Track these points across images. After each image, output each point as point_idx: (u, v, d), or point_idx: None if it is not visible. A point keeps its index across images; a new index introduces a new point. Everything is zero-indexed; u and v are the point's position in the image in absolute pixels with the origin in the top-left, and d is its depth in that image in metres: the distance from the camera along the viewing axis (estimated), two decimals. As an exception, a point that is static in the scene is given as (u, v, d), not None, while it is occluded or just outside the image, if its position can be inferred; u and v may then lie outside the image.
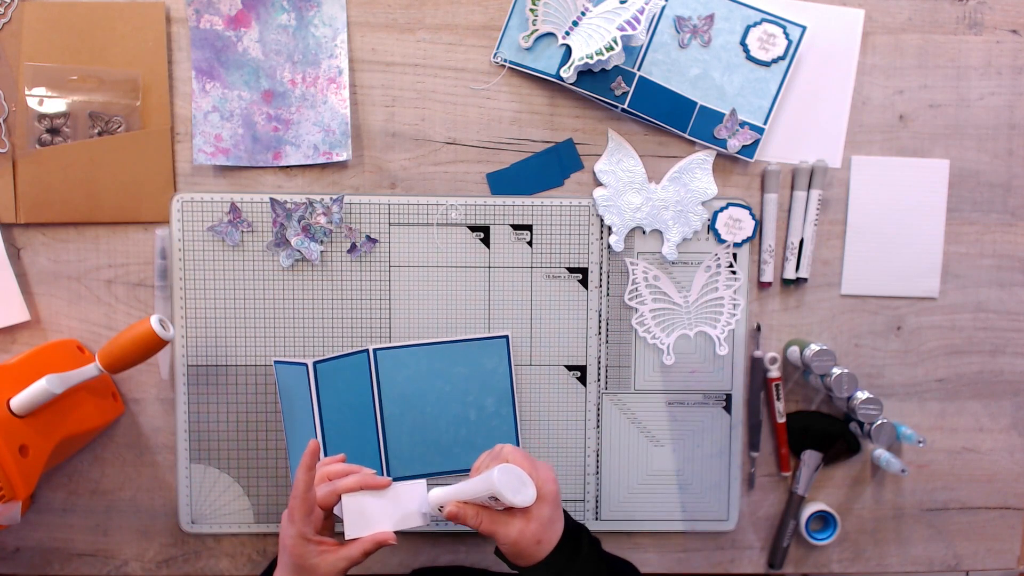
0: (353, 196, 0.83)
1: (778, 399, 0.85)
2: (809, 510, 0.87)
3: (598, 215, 0.84)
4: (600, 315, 0.85)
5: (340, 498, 0.67)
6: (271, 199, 0.81)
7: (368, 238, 0.83)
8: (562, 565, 0.65)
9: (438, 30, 0.83)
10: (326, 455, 0.81)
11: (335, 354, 0.83)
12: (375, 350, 0.83)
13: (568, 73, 0.80)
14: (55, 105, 0.80)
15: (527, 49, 0.82)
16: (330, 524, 0.70)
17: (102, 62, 0.80)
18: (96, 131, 0.81)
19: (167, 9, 0.81)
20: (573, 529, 0.69)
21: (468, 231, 0.84)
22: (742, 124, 0.83)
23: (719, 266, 0.85)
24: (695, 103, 0.83)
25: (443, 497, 0.66)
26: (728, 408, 0.86)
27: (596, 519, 0.87)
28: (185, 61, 0.81)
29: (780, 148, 0.84)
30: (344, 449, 0.82)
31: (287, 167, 0.83)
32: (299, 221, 0.82)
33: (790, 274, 0.85)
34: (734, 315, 0.85)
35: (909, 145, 0.85)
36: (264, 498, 0.85)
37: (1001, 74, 0.85)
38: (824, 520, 0.88)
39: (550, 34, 0.81)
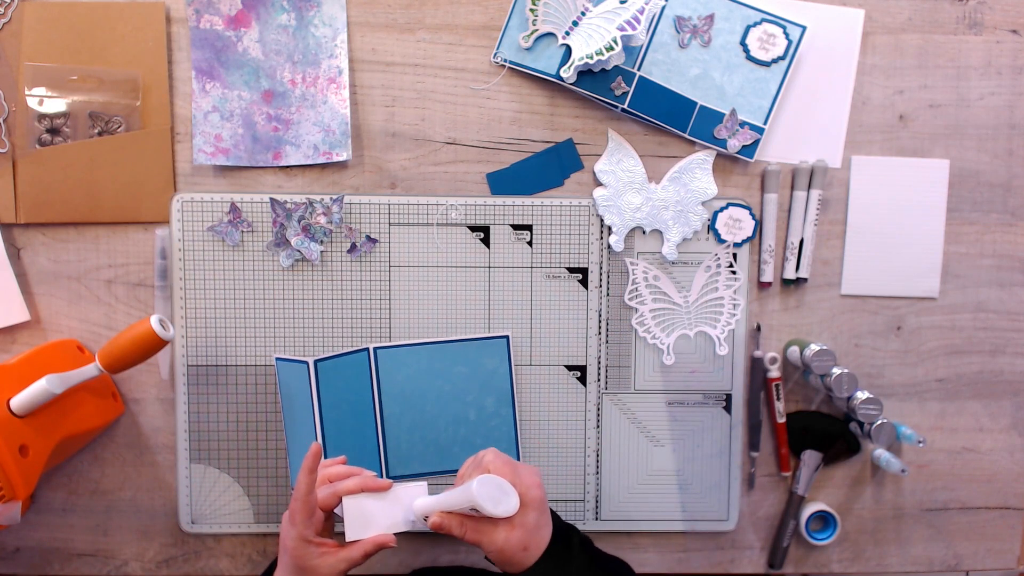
0: (353, 196, 0.83)
1: (778, 399, 0.85)
2: (809, 510, 0.87)
3: (598, 215, 0.84)
4: (600, 315, 0.85)
5: (341, 500, 0.67)
6: (271, 199, 0.81)
7: (368, 238, 0.83)
8: (551, 571, 0.64)
9: (438, 30, 0.83)
10: (326, 455, 0.81)
11: (336, 353, 0.83)
12: (375, 349, 0.83)
13: (568, 73, 0.80)
14: (55, 105, 0.80)
15: (527, 49, 0.82)
16: (330, 525, 0.70)
17: (102, 62, 0.80)
18: (96, 131, 0.81)
19: (167, 9, 0.81)
20: (562, 532, 0.68)
21: (468, 231, 0.84)
22: (742, 124, 0.83)
23: (719, 266, 0.85)
24: (695, 103, 0.83)
25: (428, 507, 0.65)
26: (728, 408, 0.86)
27: (596, 519, 0.87)
28: (185, 61, 0.81)
29: (780, 148, 0.84)
30: (343, 447, 0.82)
31: (287, 167, 0.83)
32: (299, 221, 0.82)
33: (790, 274, 0.85)
34: (734, 315, 0.85)
35: (909, 145, 0.85)
36: (264, 498, 0.85)
37: (1001, 74, 0.85)
38: (824, 520, 0.88)
39: (550, 34, 0.81)
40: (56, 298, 0.83)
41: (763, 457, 0.87)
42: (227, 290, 0.83)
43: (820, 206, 0.84)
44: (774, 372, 0.85)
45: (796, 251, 0.85)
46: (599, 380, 0.86)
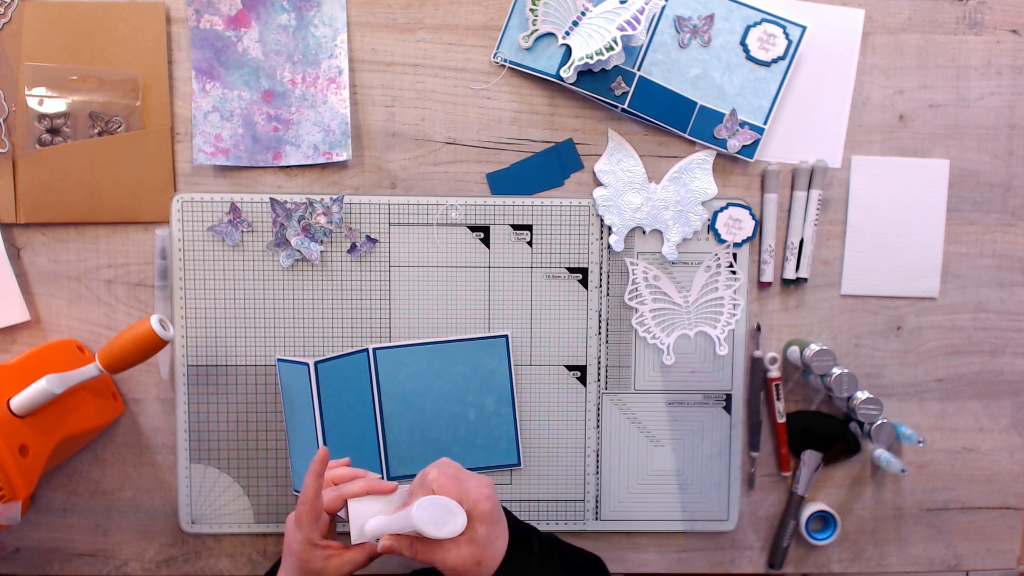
0: (353, 196, 0.83)
1: (778, 399, 0.85)
2: (809, 510, 0.87)
3: (598, 215, 0.84)
4: (600, 315, 0.85)
5: (346, 503, 0.67)
6: (271, 199, 0.81)
7: (368, 238, 0.83)
8: None
9: (438, 30, 0.83)
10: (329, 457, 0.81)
11: (336, 354, 0.83)
12: (375, 349, 0.83)
13: (568, 73, 0.80)
14: (55, 105, 0.80)
15: (527, 49, 0.82)
16: (333, 526, 0.70)
17: (102, 62, 0.80)
18: (96, 131, 0.81)
19: (167, 9, 0.81)
20: (522, 538, 0.67)
21: (468, 231, 0.84)
22: (742, 124, 0.83)
23: (719, 266, 0.85)
24: (695, 103, 0.83)
25: (377, 530, 0.64)
26: (728, 408, 0.86)
27: (596, 519, 0.87)
28: (185, 61, 0.81)
29: (780, 148, 0.84)
30: (344, 448, 0.82)
31: (287, 167, 0.83)
32: (299, 221, 0.82)
33: (790, 274, 0.85)
34: (734, 315, 0.85)
35: (909, 145, 0.85)
36: (264, 498, 0.85)
37: (1001, 74, 0.85)
38: (824, 520, 0.88)
39: (550, 34, 0.81)
40: (56, 298, 0.83)
41: (763, 457, 0.87)
42: (227, 290, 0.83)
43: (820, 206, 0.84)
44: (774, 372, 0.85)
45: (796, 251, 0.85)
46: (599, 380, 0.86)
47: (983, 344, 0.87)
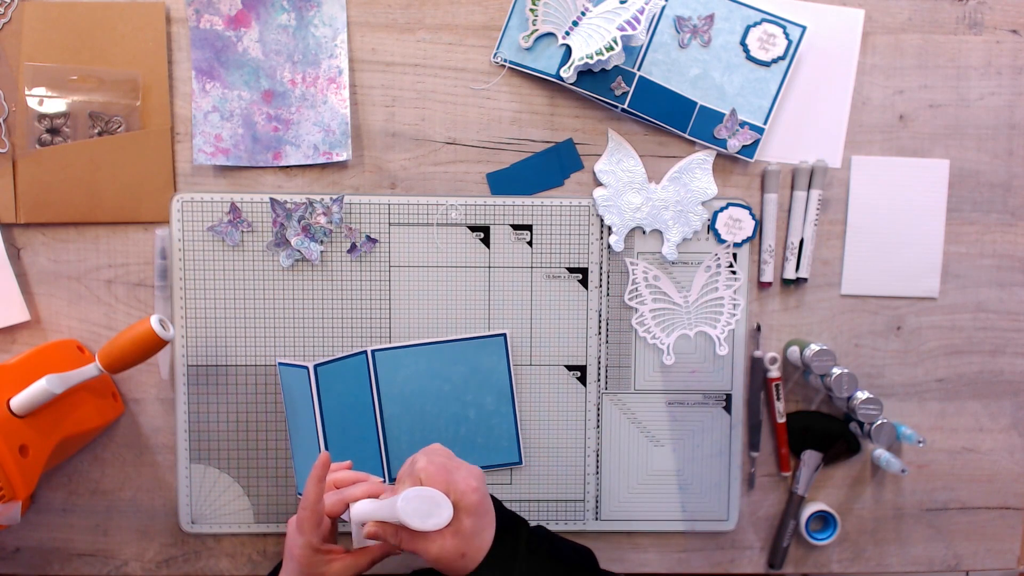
0: (353, 196, 0.83)
1: (778, 399, 0.85)
2: (809, 510, 0.87)
3: (598, 215, 0.84)
4: (600, 315, 0.85)
5: (348, 507, 0.67)
6: (271, 199, 0.81)
7: (368, 238, 0.83)
8: (494, 574, 0.62)
9: (438, 30, 0.83)
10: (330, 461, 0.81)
11: (335, 356, 0.83)
12: (373, 351, 0.83)
13: (568, 73, 0.80)
14: (55, 105, 0.80)
15: (527, 49, 0.82)
16: (335, 530, 0.70)
17: (102, 62, 0.80)
18: (96, 131, 0.81)
19: (167, 9, 0.81)
20: (508, 530, 0.66)
21: (468, 231, 0.84)
22: (742, 124, 0.83)
23: (719, 266, 0.85)
24: (695, 103, 0.83)
25: (364, 515, 0.63)
26: (728, 408, 0.86)
27: (596, 519, 0.87)
28: (185, 61, 0.81)
29: (780, 148, 0.84)
30: (345, 450, 0.82)
31: (287, 167, 0.83)
32: (299, 221, 0.82)
33: (790, 274, 0.85)
34: (734, 315, 0.85)
35: (909, 145, 0.85)
36: (264, 498, 0.85)
37: (1001, 74, 0.85)
38: (824, 520, 0.88)
39: (550, 34, 0.81)
40: (56, 298, 0.83)
41: (763, 457, 0.87)
42: (227, 290, 0.83)
43: (820, 206, 0.84)
44: (774, 372, 0.85)
45: (796, 251, 0.85)
46: (599, 380, 0.86)
47: (983, 344, 0.87)
